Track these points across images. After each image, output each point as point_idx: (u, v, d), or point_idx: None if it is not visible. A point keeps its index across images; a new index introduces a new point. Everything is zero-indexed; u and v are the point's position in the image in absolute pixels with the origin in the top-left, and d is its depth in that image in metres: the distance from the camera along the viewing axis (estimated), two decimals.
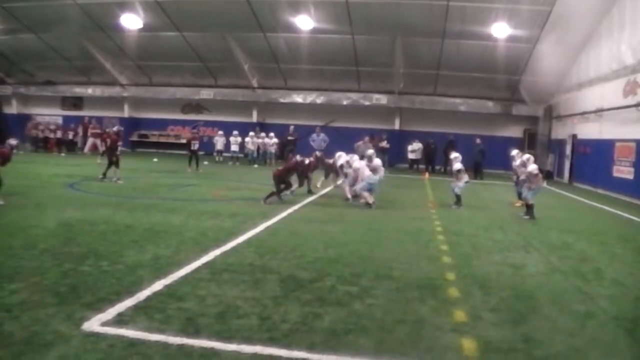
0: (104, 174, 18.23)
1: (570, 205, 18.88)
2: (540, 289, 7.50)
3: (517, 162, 16.51)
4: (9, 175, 14.52)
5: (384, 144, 30.83)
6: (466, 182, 16.14)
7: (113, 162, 18.35)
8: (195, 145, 24.11)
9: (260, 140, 30.56)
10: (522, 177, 15.98)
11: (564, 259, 9.57)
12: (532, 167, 14.57)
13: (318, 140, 28.59)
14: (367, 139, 28.47)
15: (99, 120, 35.67)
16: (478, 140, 29.01)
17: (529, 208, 14.49)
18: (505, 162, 25.45)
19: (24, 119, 38.48)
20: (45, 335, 4.99)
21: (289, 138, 29.79)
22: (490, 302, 6.75)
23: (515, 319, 6.16)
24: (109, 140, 20.26)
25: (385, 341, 5.35)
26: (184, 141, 24.91)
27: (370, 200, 15.06)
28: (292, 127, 29.09)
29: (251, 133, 31.33)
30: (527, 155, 15.07)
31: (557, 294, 7.34)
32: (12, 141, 13.80)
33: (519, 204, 16.75)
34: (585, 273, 8.61)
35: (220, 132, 31.75)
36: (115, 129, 22.01)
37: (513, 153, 17.19)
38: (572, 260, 9.55)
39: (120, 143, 19.33)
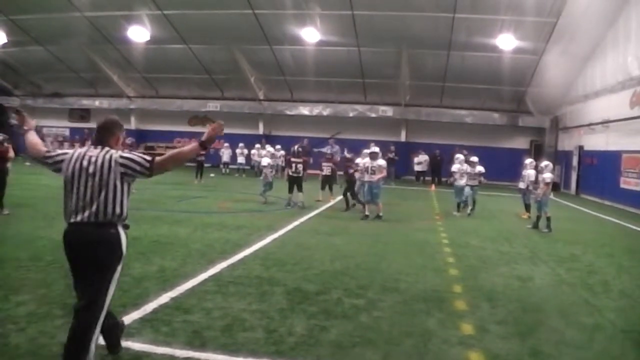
0: None
1: (577, 216, 18.81)
2: (547, 302, 7.47)
3: (527, 171, 16.55)
4: (17, 186, 14.64)
5: (392, 155, 30.78)
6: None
7: None
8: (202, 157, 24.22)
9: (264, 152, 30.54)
10: (530, 186, 16.01)
11: (571, 271, 9.53)
12: (547, 175, 14.49)
13: (333, 152, 28.40)
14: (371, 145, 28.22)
15: None
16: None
17: (548, 220, 14.41)
18: (512, 174, 25.42)
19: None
20: (51, 347, 4.98)
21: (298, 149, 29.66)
22: (497, 315, 6.71)
23: (523, 331, 6.13)
24: None
25: (391, 354, 5.33)
26: (202, 152, 24.86)
27: (366, 211, 15.19)
28: (305, 140, 28.90)
29: (257, 145, 31.38)
30: (545, 162, 15.00)
31: (564, 306, 7.30)
32: None
33: (525, 215, 16.74)
34: (592, 285, 8.57)
35: (227, 144, 31.83)
36: (127, 141, 22.20)
37: (527, 161, 17.18)
38: (579, 272, 9.51)
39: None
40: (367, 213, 15.09)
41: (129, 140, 22.09)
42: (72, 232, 4.28)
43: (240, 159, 30.98)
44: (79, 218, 4.23)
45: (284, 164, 29.96)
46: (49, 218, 12.33)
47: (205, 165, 26.16)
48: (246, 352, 5.13)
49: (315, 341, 5.50)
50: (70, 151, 4.46)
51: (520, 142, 33.86)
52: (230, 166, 31.66)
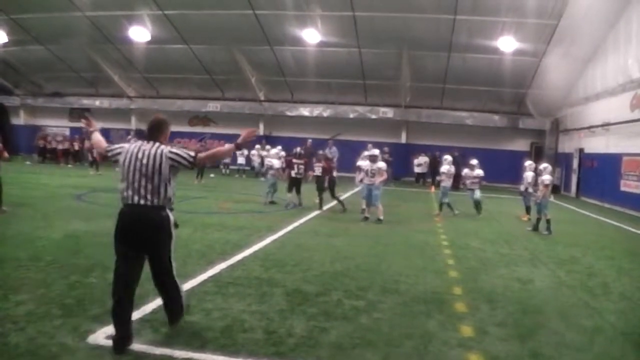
0: None
1: (577, 219, 18.81)
2: (547, 304, 7.46)
3: (528, 173, 16.59)
4: (17, 185, 14.64)
5: (386, 156, 30.70)
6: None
7: None
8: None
9: (265, 153, 30.56)
10: (530, 188, 16.04)
11: (571, 273, 9.53)
12: (546, 178, 14.50)
13: (330, 153, 28.27)
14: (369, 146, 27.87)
15: (107, 132, 35.77)
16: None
17: (548, 223, 14.42)
18: (512, 176, 25.48)
19: (32, 130, 38.68)
20: (50, 347, 4.98)
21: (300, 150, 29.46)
22: (497, 317, 6.71)
23: (523, 334, 6.12)
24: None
25: (391, 356, 5.32)
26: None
27: (363, 206, 15.28)
28: (309, 141, 28.73)
29: (257, 146, 31.41)
30: (544, 164, 15.02)
31: (564, 308, 7.30)
32: None
33: (525, 217, 16.74)
34: (592, 287, 8.56)
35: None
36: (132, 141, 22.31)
37: (526, 164, 17.20)
38: (579, 274, 9.50)
39: None
40: (367, 215, 15.09)
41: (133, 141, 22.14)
42: (129, 213, 5.15)
43: (241, 160, 30.99)
44: (135, 200, 5.10)
45: (284, 165, 30.02)
46: (49, 218, 12.35)
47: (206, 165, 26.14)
48: (246, 353, 5.12)
49: (315, 342, 5.50)
50: (127, 145, 5.38)
51: (521, 144, 33.85)
52: (231, 167, 31.67)
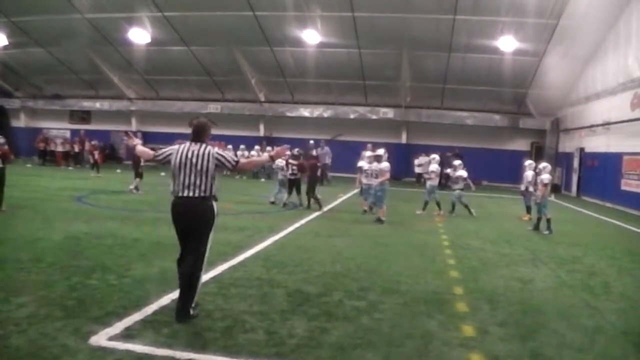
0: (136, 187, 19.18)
1: (578, 218, 18.80)
2: (548, 304, 7.46)
3: (528, 172, 16.62)
4: (17, 187, 14.65)
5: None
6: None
7: (138, 174, 19.24)
8: None
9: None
10: (530, 187, 16.05)
11: (572, 273, 9.52)
12: (545, 177, 14.52)
13: (322, 154, 28.09)
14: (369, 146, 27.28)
15: (107, 134, 35.88)
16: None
17: (548, 222, 14.43)
18: (512, 176, 25.47)
19: (32, 132, 38.70)
20: (52, 349, 4.98)
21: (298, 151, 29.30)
22: (498, 317, 6.71)
23: (524, 333, 6.12)
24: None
25: (392, 356, 5.32)
26: None
27: (364, 207, 15.39)
28: (312, 142, 28.64)
29: (257, 147, 31.43)
30: (544, 164, 15.05)
31: (565, 308, 7.29)
32: None
33: (526, 217, 16.74)
34: (593, 287, 8.56)
35: (229, 147, 31.85)
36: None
37: (526, 163, 17.22)
38: (580, 274, 9.50)
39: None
40: (365, 208, 15.12)
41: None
42: (180, 204, 6.10)
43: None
44: (185, 193, 6.04)
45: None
46: (50, 220, 12.35)
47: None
48: (247, 354, 5.12)
49: (316, 343, 5.50)
50: (175, 147, 6.27)
51: (521, 144, 33.83)
52: None
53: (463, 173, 17.50)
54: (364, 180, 16.20)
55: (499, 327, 6.30)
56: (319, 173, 18.94)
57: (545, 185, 14.43)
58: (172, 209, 6.18)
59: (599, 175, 24.63)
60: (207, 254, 6.17)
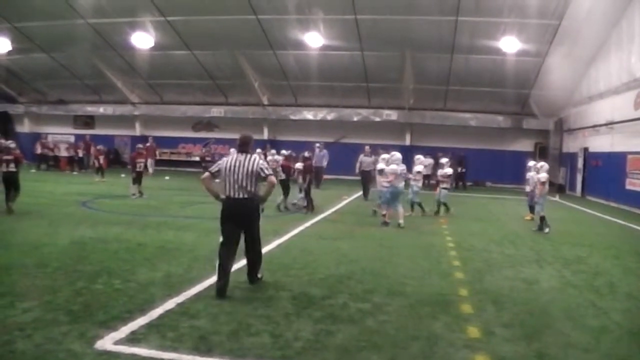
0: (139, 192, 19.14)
1: (582, 218, 18.77)
2: (553, 304, 7.45)
3: (531, 173, 16.59)
4: (23, 193, 14.68)
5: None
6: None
7: (135, 178, 19.16)
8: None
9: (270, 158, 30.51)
10: (533, 188, 16.02)
11: (578, 273, 9.51)
12: (543, 175, 14.53)
13: (319, 156, 27.57)
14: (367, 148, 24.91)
15: (111, 139, 35.95)
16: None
17: (541, 221, 14.45)
18: (516, 176, 25.43)
19: (36, 137, 38.78)
20: (57, 353, 5.00)
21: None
22: (503, 318, 6.71)
23: (529, 334, 6.12)
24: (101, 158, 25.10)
25: (398, 358, 5.33)
26: (208, 158, 25.50)
27: (382, 212, 15.08)
28: (317, 145, 28.49)
29: (258, 150, 31.41)
30: (541, 163, 15.06)
31: (570, 308, 7.28)
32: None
33: (529, 217, 16.72)
34: (599, 287, 8.54)
35: (232, 150, 31.85)
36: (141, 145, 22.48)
37: (530, 164, 17.19)
38: (585, 274, 9.48)
39: (140, 160, 19.64)
40: (387, 220, 14.90)
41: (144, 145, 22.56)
42: (231, 204, 7.51)
43: None
44: (235, 195, 7.45)
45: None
46: (55, 225, 12.39)
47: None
48: (252, 357, 5.14)
49: (322, 346, 5.51)
50: (224, 159, 7.73)
51: (525, 145, 33.71)
52: None
53: (448, 171, 17.51)
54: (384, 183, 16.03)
55: (504, 328, 6.30)
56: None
57: (542, 183, 14.46)
58: (224, 208, 7.54)
59: (603, 175, 24.57)
60: (260, 236, 7.92)
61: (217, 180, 7.68)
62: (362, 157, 22.39)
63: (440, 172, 17.89)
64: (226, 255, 7.34)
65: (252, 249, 7.80)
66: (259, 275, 7.90)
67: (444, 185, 17.47)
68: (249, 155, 7.60)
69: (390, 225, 14.53)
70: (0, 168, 14.35)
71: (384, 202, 15.23)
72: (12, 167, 14.34)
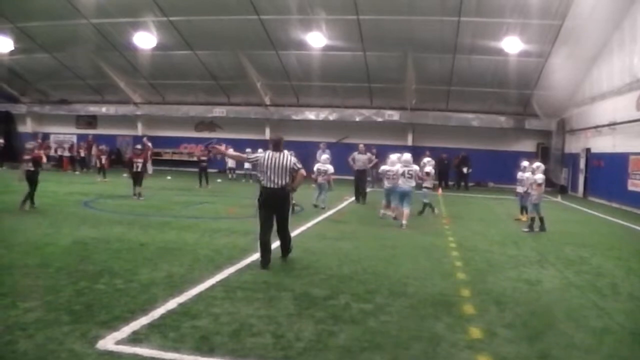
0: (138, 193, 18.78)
1: (584, 219, 18.75)
2: (556, 305, 7.44)
3: (526, 174, 16.52)
4: (25, 193, 14.68)
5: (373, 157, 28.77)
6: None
7: (133, 179, 18.94)
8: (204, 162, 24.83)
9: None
10: (527, 188, 15.94)
11: (580, 274, 9.49)
12: (539, 177, 14.52)
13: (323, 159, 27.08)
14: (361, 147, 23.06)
15: (113, 139, 35.99)
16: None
17: (541, 221, 14.49)
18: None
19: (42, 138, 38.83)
20: (59, 353, 4.99)
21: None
22: (505, 319, 6.69)
23: (531, 335, 6.10)
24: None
25: (400, 358, 5.32)
26: (203, 158, 25.48)
27: (388, 212, 15.14)
28: (322, 144, 28.37)
29: (260, 150, 31.44)
30: (537, 163, 15.04)
31: (573, 309, 7.27)
32: None
33: (523, 218, 16.67)
34: (601, 288, 8.52)
35: (231, 149, 31.88)
36: (138, 146, 22.28)
37: (524, 164, 17.14)
38: (587, 275, 9.46)
39: (138, 161, 19.14)
40: (387, 213, 14.94)
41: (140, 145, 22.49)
42: (269, 193, 9.14)
43: (247, 165, 31.01)
44: (271, 186, 9.11)
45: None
46: (57, 224, 12.39)
47: (212, 170, 26.21)
48: (254, 358, 5.13)
49: (324, 346, 5.49)
50: (263, 153, 9.48)
51: (527, 145, 33.72)
52: (237, 172, 31.70)
53: (430, 169, 17.52)
54: (388, 184, 15.99)
55: (507, 329, 6.28)
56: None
57: (539, 185, 14.44)
58: (262, 195, 9.22)
59: (605, 175, 24.55)
60: (289, 223, 9.64)
61: (247, 164, 9.84)
62: (356, 155, 21.00)
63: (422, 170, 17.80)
64: (265, 235, 9.04)
65: (283, 228, 9.44)
66: (290, 248, 9.70)
67: (426, 184, 17.38)
68: (282, 153, 9.28)
69: (393, 225, 14.54)
70: (22, 167, 15.16)
71: (396, 203, 15.28)
72: (30, 167, 14.96)
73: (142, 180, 18.82)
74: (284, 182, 9.10)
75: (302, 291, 7.50)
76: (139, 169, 18.94)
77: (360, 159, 20.89)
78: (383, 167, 16.31)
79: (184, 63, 33.14)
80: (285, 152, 9.38)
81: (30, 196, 14.82)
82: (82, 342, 5.27)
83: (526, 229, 14.65)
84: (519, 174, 17.04)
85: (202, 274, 8.19)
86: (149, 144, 29.61)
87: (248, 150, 22.59)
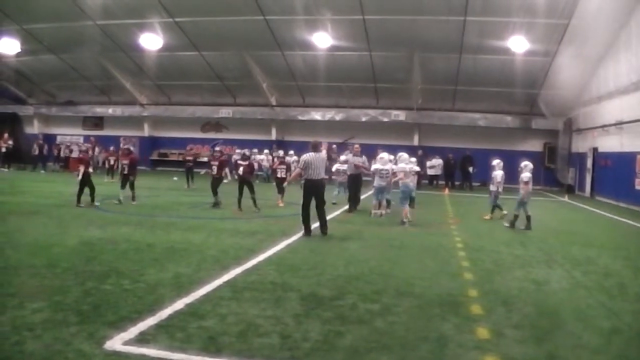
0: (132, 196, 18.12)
1: (592, 219, 18.69)
2: (563, 305, 7.40)
3: (496, 172, 16.63)
4: (31, 194, 14.75)
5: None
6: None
7: (131, 185, 18.17)
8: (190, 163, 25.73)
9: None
10: (499, 187, 16.13)
11: (588, 274, 9.45)
12: (525, 175, 14.71)
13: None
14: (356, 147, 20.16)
15: (120, 140, 36.05)
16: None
17: (527, 220, 14.76)
18: None
19: (46, 139, 38.95)
20: (67, 354, 5.00)
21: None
22: (513, 319, 6.67)
23: (539, 335, 6.08)
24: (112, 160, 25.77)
25: (407, 359, 5.30)
26: (189, 158, 25.70)
27: (375, 209, 15.41)
28: (334, 146, 28.31)
29: (266, 151, 31.54)
30: (525, 162, 15.15)
31: (581, 309, 7.23)
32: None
33: (487, 216, 16.68)
34: (609, 288, 8.49)
35: (239, 151, 31.92)
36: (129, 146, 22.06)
37: (494, 162, 17.21)
38: (595, 275, 9.42)
39: (124, 162, 18.39)
40: (407, 219, 14.93)
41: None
42: (314, 182, 12.38)
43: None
44: (315, 177, 12.37)
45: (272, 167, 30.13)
46: (64, 225, 12.44)
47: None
48: (261, 358, 5.12)
49: (331, 346, 5.49)
50: (308, 156, 12.47)
51: (534, 145, 33.62)
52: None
53: (415, 168, 17.58)
54: (381, 182, 16.13)
55: (514, 329, 6.26)
56: None
57: (526, 183, 14.56)
58: (308, 185, 12.38)
59: (612, 175, 24.46)
60: (324, 207, 12.73)
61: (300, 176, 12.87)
62: (351, 158, 18.94)
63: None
64: (307, 215, 12.38)
65: (321, 209, 12.56)
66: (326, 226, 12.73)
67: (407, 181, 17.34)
68: (320, 154, 12.79)
69: (398, 225, 14.54)
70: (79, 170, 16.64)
71: (401, 202, 15.31)
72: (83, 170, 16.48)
73: (132, 182, 18.07)
74: (322, 174, 12.50)
75: (309, 291, 7.49)
76: (125, 171, 18.04)
77: (355, 161, 18.74)
78: (375, 166, 16.43)
79: (190, 64, 33.22)
80: (324, 152, 13.19)
81: (90, 196, 16.66)
82: (89, 343, 5.27)
83: (507, 224, 14.82)
84: (493, 173, 17.09)
85: (209, 274, 8.20)
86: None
87: (294, 161, 23.00)
